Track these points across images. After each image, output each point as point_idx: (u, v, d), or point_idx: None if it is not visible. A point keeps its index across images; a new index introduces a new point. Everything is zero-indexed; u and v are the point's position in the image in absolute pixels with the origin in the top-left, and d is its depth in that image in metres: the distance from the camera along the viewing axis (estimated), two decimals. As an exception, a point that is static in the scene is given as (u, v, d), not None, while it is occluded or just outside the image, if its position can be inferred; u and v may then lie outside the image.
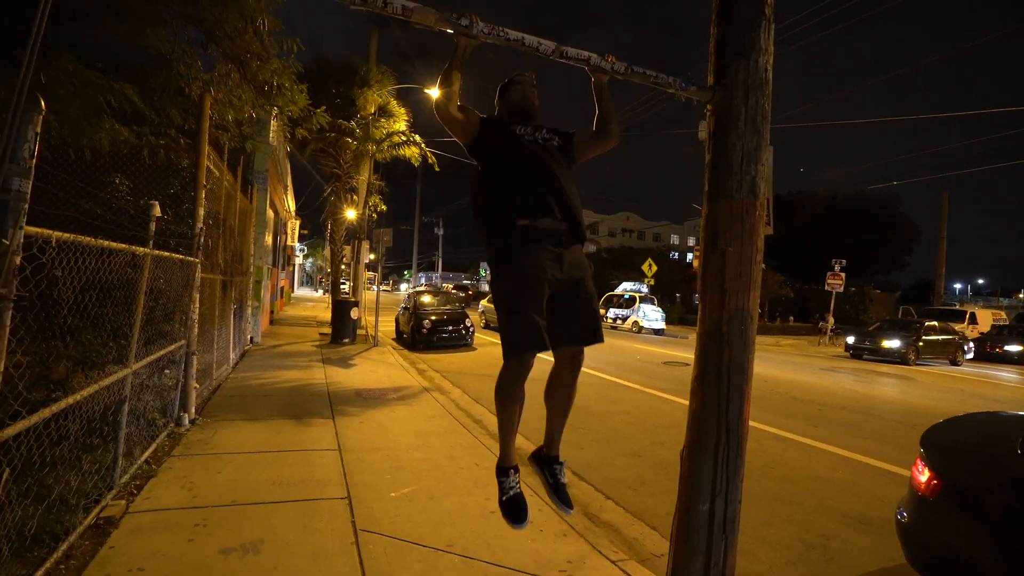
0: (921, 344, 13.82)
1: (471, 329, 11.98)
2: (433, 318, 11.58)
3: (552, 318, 1.91)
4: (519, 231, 1.91)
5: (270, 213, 11.77)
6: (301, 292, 42.29)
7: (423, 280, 72.66)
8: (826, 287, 18.02)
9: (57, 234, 1.75)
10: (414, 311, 11.96)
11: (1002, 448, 2.19)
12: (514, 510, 1.97)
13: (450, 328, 11.62)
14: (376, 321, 10.73)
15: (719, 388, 1.89)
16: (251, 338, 8.97)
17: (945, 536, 2.13)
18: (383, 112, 11.67)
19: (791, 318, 25.42)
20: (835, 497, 3.67)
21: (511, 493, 1.99)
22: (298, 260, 29.52)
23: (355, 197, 12.66)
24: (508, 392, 1.98)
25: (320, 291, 42.57)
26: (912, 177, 34.16)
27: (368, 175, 11.89)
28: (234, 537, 2.48)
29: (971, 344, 15.83)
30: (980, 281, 69.21)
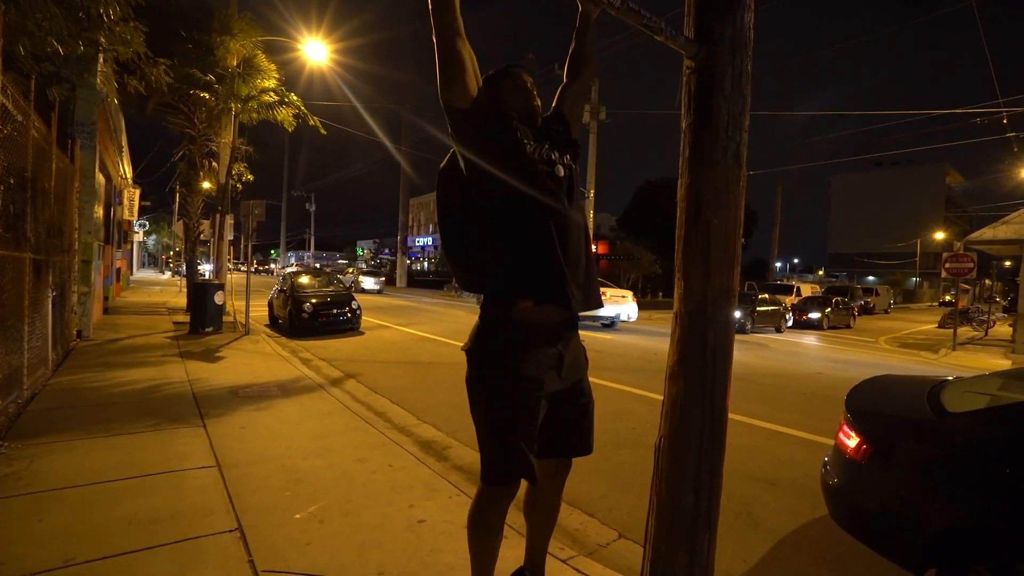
0: (756, 314, 15.93)
1: (358, 311, 11.10)
2: (315, 300, 10.49)
3: (543, 427, 1.60)
4: (517, 323, 1.55)
5: (100, 178, 9.59)
6: (142, 274, 36.39)
7: (292, 259, 66.95)
8: (690, 265, 19.91)
9: None
10: (292, 293, 10.73)
11: (917, 411, 2.37)
12: None
13: (335, 311, 10.63)
14: (247, 306, 9.40)
15: (703, 372, 1.73)
16: (78, 332, 7.26)
17: (879, 496, 2.24)
18: (248, 66, 10.06)
19: (660, 293, 27.96)
20: (743, 462, 3.89)
21: None
22: (138, 237, 25.03)
23: (215, 164, 10.86)
24: (487, 522, 1.63)
25: (168, 273, 36.95)
26: (758, 169, 39.26)
27: (232, 138, 10.24)
28: (75, 611, 1.80)
29: (791, 314, 18.74)
30: (795, 260, 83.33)
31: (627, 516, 3.02)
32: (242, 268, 11.73)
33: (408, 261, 45.55)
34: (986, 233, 13.12)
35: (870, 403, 2.58)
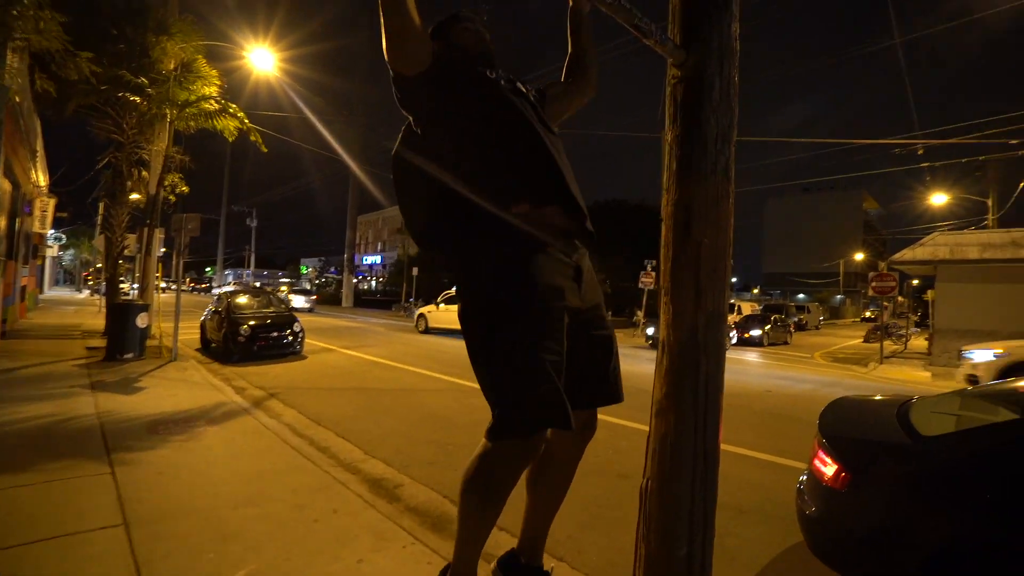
0: None
1: (301, 334, 10.43)
2: (253, 323, 9.76)
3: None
4: (518, 231, 1.29)
5: (5, 185, 8.57)
6: (55, 293, 33.22)
7: (230, 277, 63.53)
8: (640, 285, 20.41)
9: None
10: (227, 315, 9.94)
11: (891, 435, 2.32)
12: None
13: (275, 334, 9.92)
14: (176, 329, 8.58)
15: (695, 406, 1.56)
16: (-33, 360, 6.31)
17: (861, 525, 2.15)
18: (187, 70, 9.39)
19: (610, 312, 28.44)
20: (710, 489, 3.77)
21: None
22: (52, 252, 22.80)
23: (145, 173, 9.99)
24: (499, 490, 1.33)
25: (87, 291, 33.90)
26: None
27: (167, 147, 9.46)
28: None
29: (734, 331, 19.45)
30: (734, 279, 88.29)
31: (597, 557, 2.80)
32: (173, 287, 10.78)
33: (355, 280, 44.22)
34: (906, 254, 14.20)
35: (843, 428, 2.52)
